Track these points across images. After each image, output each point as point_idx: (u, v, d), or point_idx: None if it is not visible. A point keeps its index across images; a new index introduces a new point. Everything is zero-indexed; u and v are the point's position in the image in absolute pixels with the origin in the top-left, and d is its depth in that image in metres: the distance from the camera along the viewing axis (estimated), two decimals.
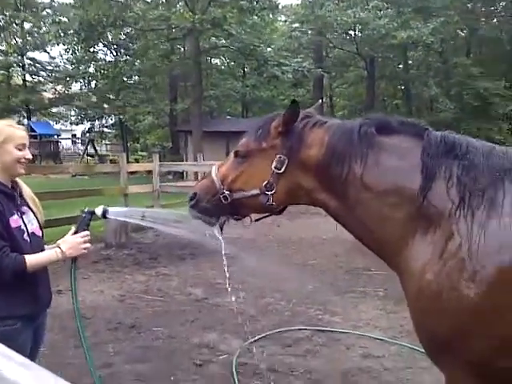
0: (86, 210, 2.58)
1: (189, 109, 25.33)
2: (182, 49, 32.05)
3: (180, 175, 24.27)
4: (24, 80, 32.70)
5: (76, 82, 30.66)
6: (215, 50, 25.98)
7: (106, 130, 38.50)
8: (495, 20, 33.54)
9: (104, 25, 20.48)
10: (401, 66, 33.87)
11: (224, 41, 23.89)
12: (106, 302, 5.86)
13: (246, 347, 4.52)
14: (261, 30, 24.27)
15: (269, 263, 7.78)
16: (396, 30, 23.22)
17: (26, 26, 31.98)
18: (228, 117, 36.36)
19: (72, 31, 20.39)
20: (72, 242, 2.48)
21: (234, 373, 3.97)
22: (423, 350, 4.27)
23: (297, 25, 30.20)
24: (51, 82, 31.99)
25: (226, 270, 2.79)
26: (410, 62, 33.43)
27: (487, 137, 26.06)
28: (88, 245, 2.53)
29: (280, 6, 28.45)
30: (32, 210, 2.55)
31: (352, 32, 28.18)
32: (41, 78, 32.00)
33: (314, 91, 29.38)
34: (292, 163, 2.13)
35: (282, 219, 12.64)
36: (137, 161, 32.10)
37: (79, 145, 41.17)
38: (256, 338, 4.69)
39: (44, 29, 30.38)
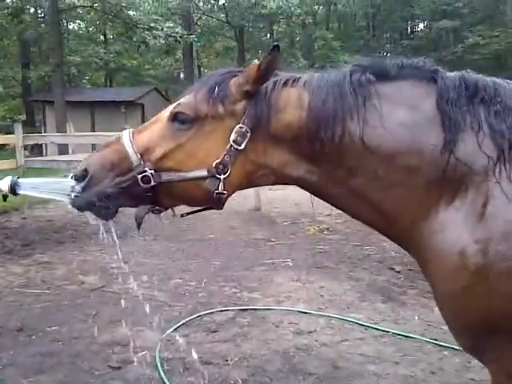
0: None
1: (46, 76, 22.78)
2: (33, 9, 28.70)
3: (39, 149, 21.89)
4: None
5: None
6: (75, 11, 23.51)
7: None
8: None
9: None
10: (266, 37, 34.42)
11: (84, 0, 21.70)
12: None
13: (167, 339, 3.98)
14: None
15: (165, 241, 7.20)
16: None
17: None
18: (88, 86, 33.78)
19: None
20: None
21: (161, 371, 3.42)
22: (352, 320, 4.24)
23: None
24: None
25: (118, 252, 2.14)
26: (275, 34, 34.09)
27: None
28: None
29: None
30: None
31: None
32: None
33: (184, 60, 28.39)
34: (257, 136, 1.60)
35: None
36: None
37: None
38: (174, 327, 4.17)
39: None
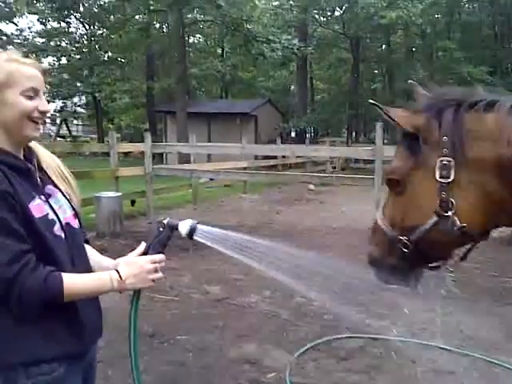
0: (165, 221, 1.75)
1: (169, 88, 24.18)
2: (158, 24, 30.75)
3: (159, 157, 23.23)
4: None
5: (46, 56, 28.93)
6: (197, 25, 24.78)
7: (78, 109, 36.71)
8: (475, 4, 33.48)
9: None
10: (382, 48, 33.55)
11: (205, 15, 22.78)
12: (114, 302, 5.02)
13: (295, 362, 3.84)
14: (240, 6, 23.26)
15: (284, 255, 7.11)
16: (384, 9, 22.61)
17: None
18: (204, 98, 35.35)
19: None
20: (139, 266, 1.63)
21: None
22: (505, 365, 3.77)
23: (276, 2, 29.23)
24: None
25: None
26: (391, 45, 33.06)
27: None
28: (160, 274, 1.68)
29: None
30: (61, 190, 1.68)
31: (338, 10, 27.46)
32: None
33: (298, 72, 28.56)
34: (465, 165, 1.48)
35: (280, 207, 12.01)
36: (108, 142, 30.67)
37: (49, 125, 39.28)
38: (303, 349, 4.02)
39: None
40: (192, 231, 1.73)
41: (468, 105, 1.49)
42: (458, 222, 1.51)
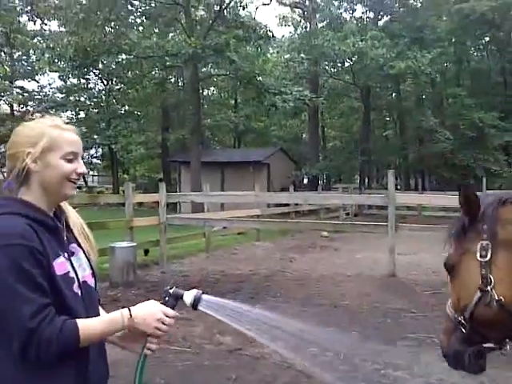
0: (171, 290, 1.75)
1: (183, 138, 24.77)
2: (173, 78, 31.85)
3: (173, 206, 23.48)
4: (12, 109, 31.87)
5: (65, 111, 30.04)
6: (211, 79, 25.61)
7: (94, 160, 37.66)
8: (484, 52, 34.24)
9: (99, 52, 19.91)
10: (392, 96, 34.14)
11: (219, 69, 23.61)
12: (126, 355, 4.96)
13: None
14: (253, 60, 24.12)
15: (296, 305, 7.03)
16: (393, 60, 23.22)
17: (16, 54, 31.42)
18: (217, 147, 36.04)
19: (67, 58, 19.74)
20: (150, 311, 1.66)
21: None
22: None
23: (288, 55, 30.26)
24: (39, 112, 31.16)
25: None
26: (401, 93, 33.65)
27: (484, 168, 25.96)
28: (164, 327, 1.67)
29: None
30: (83, 249, 1.74)
31: (348, 62, 28.29)
32: (29, 108, 31.24)
33: (310, 121, 29.10)
34: (496, 245, 1.78)
35: (293, 254, 11.96)
36: (124, 192, 31.14)
37: None
38: None
39: (33, 57, 29.80)
40: (196, 301, 1.73)
41: (500, 201, 1.83)
42: (496, 296, 1.72)
